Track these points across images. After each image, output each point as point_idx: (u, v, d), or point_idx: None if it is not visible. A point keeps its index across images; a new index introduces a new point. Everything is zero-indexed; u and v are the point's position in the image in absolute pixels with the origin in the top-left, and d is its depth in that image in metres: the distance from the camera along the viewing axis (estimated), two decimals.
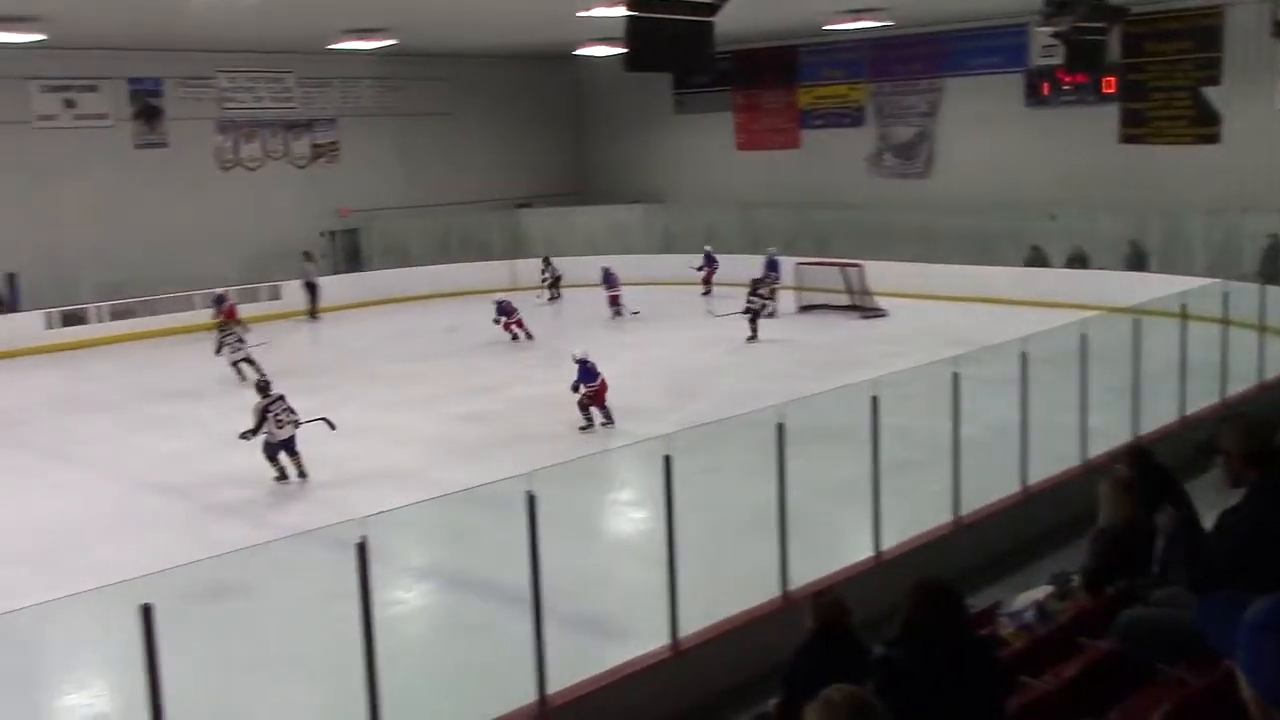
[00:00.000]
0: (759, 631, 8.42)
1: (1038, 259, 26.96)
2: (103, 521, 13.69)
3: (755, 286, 23.58)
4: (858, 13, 25.88)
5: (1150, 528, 6.78)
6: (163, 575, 5.64)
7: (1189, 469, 9.30)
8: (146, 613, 5.59)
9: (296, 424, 14.76)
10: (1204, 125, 25.30)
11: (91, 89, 28.14)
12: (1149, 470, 7.65)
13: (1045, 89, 27.76)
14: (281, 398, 14.89)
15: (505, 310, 24.25)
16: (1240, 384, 14.43)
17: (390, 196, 32.94)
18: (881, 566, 9.49)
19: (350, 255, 32.54)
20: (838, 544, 10.92)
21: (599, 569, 11.56)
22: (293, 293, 29.07)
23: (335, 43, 26.78)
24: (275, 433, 14.63)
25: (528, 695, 7.31)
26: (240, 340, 21.60)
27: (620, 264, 28.20)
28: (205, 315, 26.29)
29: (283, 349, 24.73)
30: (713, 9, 10.82)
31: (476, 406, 18.42)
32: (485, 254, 31.79)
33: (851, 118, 31.62)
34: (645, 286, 28.95)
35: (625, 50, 10.59)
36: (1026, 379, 11.30)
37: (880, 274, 26.07)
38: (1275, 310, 15.92)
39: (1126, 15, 20.70)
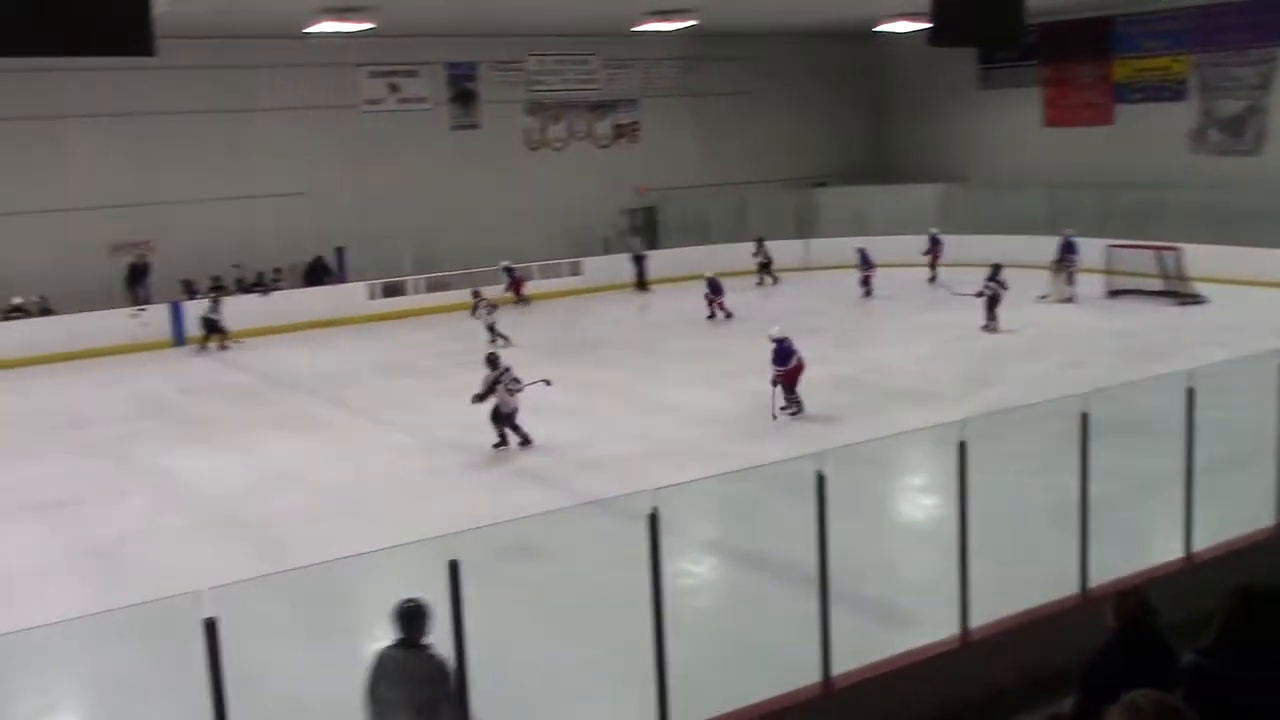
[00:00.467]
0: (1054, 628, 8.10)
1: None
2: (413, 480, 14.60)
3: (995, 272, 22.07)
4: None
5: None
6: (468, 534, 5.95)
7: None
8: (453, 569, 5.92)
9: (520, 390, 15.44)
10: None
11: (413, 74, 29.91)
12: None
13: None
14: (509, 369, 15.49)
15: (715, 288, 24.55)
16: None
17: (687, 175, 33.45)
18: (1192, 568, 8.94)
19: (648, 232, 33.27)
20: (1144, 542, 10.38)
21: (886, 553, 11.42)
22: (593, 268, 30.01)
23: (639, 25, 27.35)
24: (507, 400, 15.30)
25: (810, 676, 7.31)
26: (493, 306, 23.37)
27: (914, 245, 27.64)
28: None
29: (586, 323, 25.62)
30: None
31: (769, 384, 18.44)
32: (780, 232, 31.73)
33: (1172, 91, 29.72)
34: (943, 268, 28.27)
35: (930, 24, 10.34)
36: None
37: (1201, 258, 24.44)
38: None
39: None
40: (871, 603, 9.56)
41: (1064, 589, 8.45)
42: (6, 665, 8.77)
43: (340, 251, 28.81)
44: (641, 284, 30.08)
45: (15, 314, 24.40)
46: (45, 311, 24.92)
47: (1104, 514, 8.58)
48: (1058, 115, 32.36)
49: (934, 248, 28.14)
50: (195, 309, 25.26)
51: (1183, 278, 24.42)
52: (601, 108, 33.05)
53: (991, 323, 21.83)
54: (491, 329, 22.96)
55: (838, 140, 36.20)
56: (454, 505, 12.92)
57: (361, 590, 10.38)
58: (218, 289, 26.06)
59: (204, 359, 23.68)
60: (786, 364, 16.45)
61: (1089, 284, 25.05)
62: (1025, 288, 25.10)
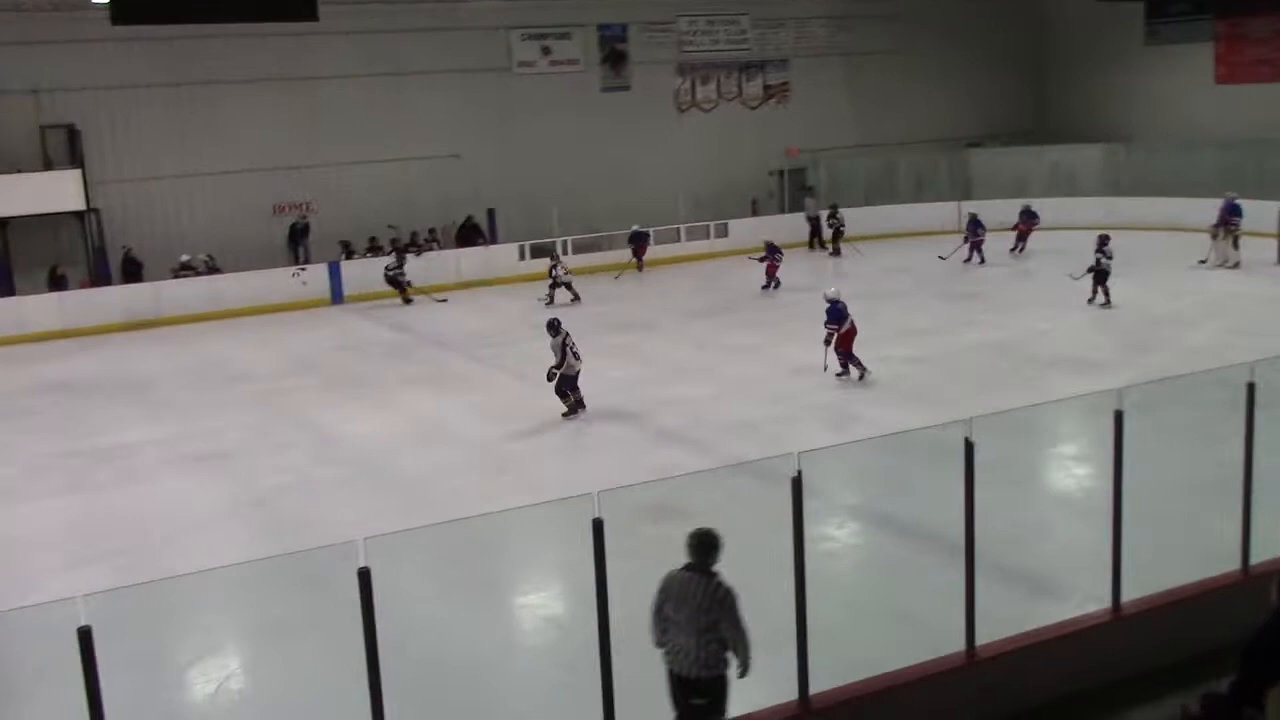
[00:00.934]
0: (1212, 605, 7.82)
1: None
2: (557, 439, 14.81)
3: (1102, 243, 20.57)
4: None
5: None
6: (612, 493, 6.00)
7: None
8: (597, 527, 5.99)
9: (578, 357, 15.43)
10: None
11: (565, 36, 30.11)
12: None
13: None
14: (569, 334, 15.42)
15: (773, 250, 24.32)
16: None
17: (837, 136, 33.00)
18: None
19: (797, 195, 32.97)
20: None
21: (1036, 523, 11.15)
22: (740, 230, 29.83)
23: None
24: (574, 364, 15.28)
25: (954, 644, 7.21)
26: (565, 270, 24.39)
27: (1072, 207, 26.79)
28: (659, 251, 27.76)
29: (728, 286, 25.55)
30: None
31: (918, 349, 18.19)
32: (934, 194, 31.09)
33: None
34: (1102, 230, 27.32)
35: None
36: None
37: None
38: None
39: None
40: (1019, 573, 9.36)
41: (1224, 565, 8.14)
42: (173, 607, 9.22)
43: (491, 213, 29.28)
44: (815, 243, 29.93)
45: (184, 272, 25.47)
46: (212, 270, 25.98)
47: (1269, 488, 8.22)
48: (1230, 72, 30.88)
49: (1029, 220, 27.11)
50: (354, 269, 26.02)
51: None
52: (751, 68, 32.79)
53: (1097, 298, 20.46)
54: (566, 287, 23.82)
55: (994, 100, 35.23)
56: (597, 464, 13.07)
57: (505, 546, 10.60)
58: (404, 248, 26.62)
59: (359, 317, 24.33)
60: (841, 324, 16.45)
61: (1259, 249, 23.90)
62: (1190, 253, 24.15)
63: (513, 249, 28.13)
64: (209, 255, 26.12)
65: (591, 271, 27.29)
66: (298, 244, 27.27)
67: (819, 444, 7.83)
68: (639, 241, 27.82)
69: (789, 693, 6.75)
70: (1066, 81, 34.88)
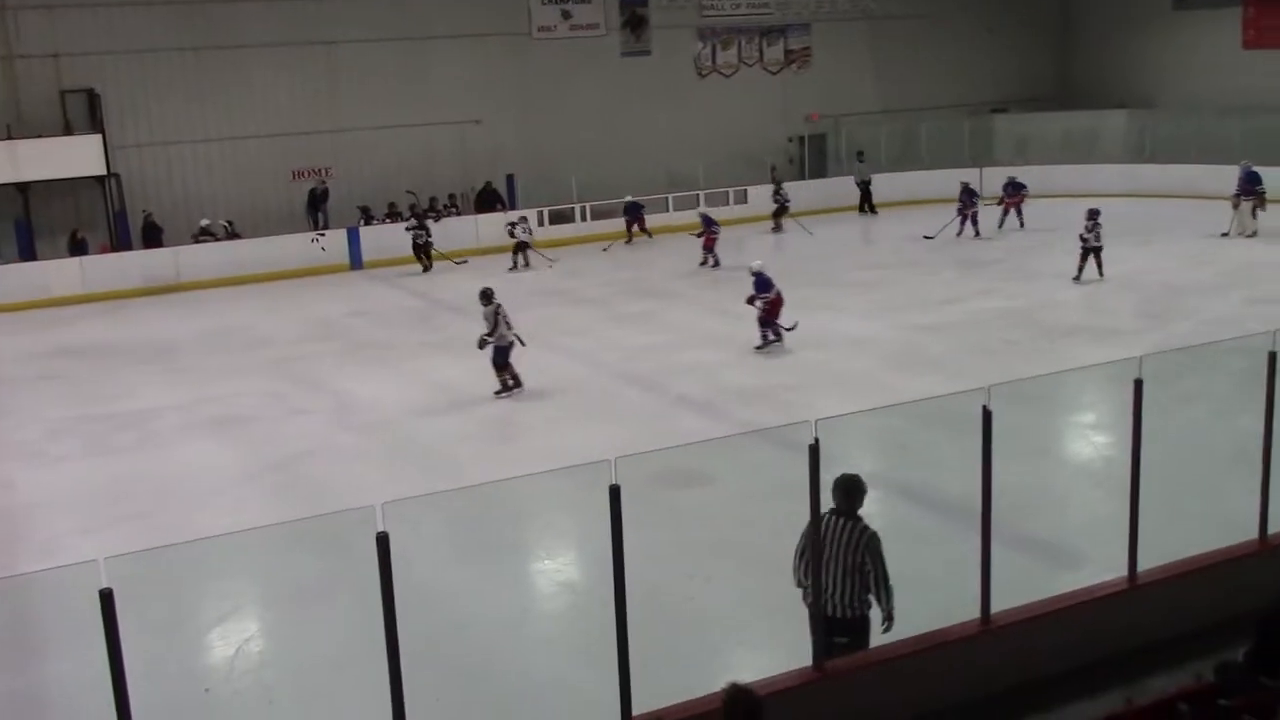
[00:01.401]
0: (1230, 575, 7.80)
1: None
2: (574, 404, 14.83)
3: (1091, 218, 19.83)
4: None
5: None
6: (629, 459, 6.01)
7: None
8: (614, 493, 6.00)
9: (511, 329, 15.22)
10: None
11: (585, 0, 29.89)
12: None
13: None
14: (501, 305, 15.24)
15: (709, 223, 23.91)
16: None
17: (859, 101, 32.78)
18: None
19: (816, 160, 32.81)
20: None
21: (1053, 491, 11.14)
22: (758, 197, 29.71)
23: None
24: (505, 334, 15.08)
25: (969, 612, 7.22)
26: (529, 230, 25.08)
27: (1096, 173, 26.55)
28: (677, 218, 27.67)
29: (750, 252, 25.48)
30: None
31: (939, 317, 18.13)
32: (955, 160, 30.85)
33: None
34: (1126, 199, 27.14)
35: None
36: None
37: None
38: None
39: None
40: (1035, 542, 9.35)
41: (1241, 534, 8.11)
42: (193, 570, 9.29)
43: (510, 179, 29.22)
44: (865, 208, 29.90)
45: (204, 237, 25.54)
46: (232, 235, 26.03)
47: None
48: (1259, 36, 30.43)
49: (1015, 192, 26.28)
50: (373, 235, 26.03)
51: None
52: (772, 32, 32.54)
53: (1084, 274, 19.88)
54: (523, 251, 24.19)
55: (1018, 64, 34.90)
56: (614, 430, 13.07)
57: (523, 511, 10.64)
58: (424, 213, 26.57)
59: (378, 283, 24.36)
60: (766, 293, 16.61)
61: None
62: (1213, 221, 23.94)
63: (531, 215, 28.07)
64: (229, 221, 26.17)
65: (610, 239, 27.26)
66: (317, 209, 27.29)
67: (835, 412, 7.81)
68: (633, 213, 27.64)
69: (805, 658, 6.78)
70: (1092, 46, 34.51)
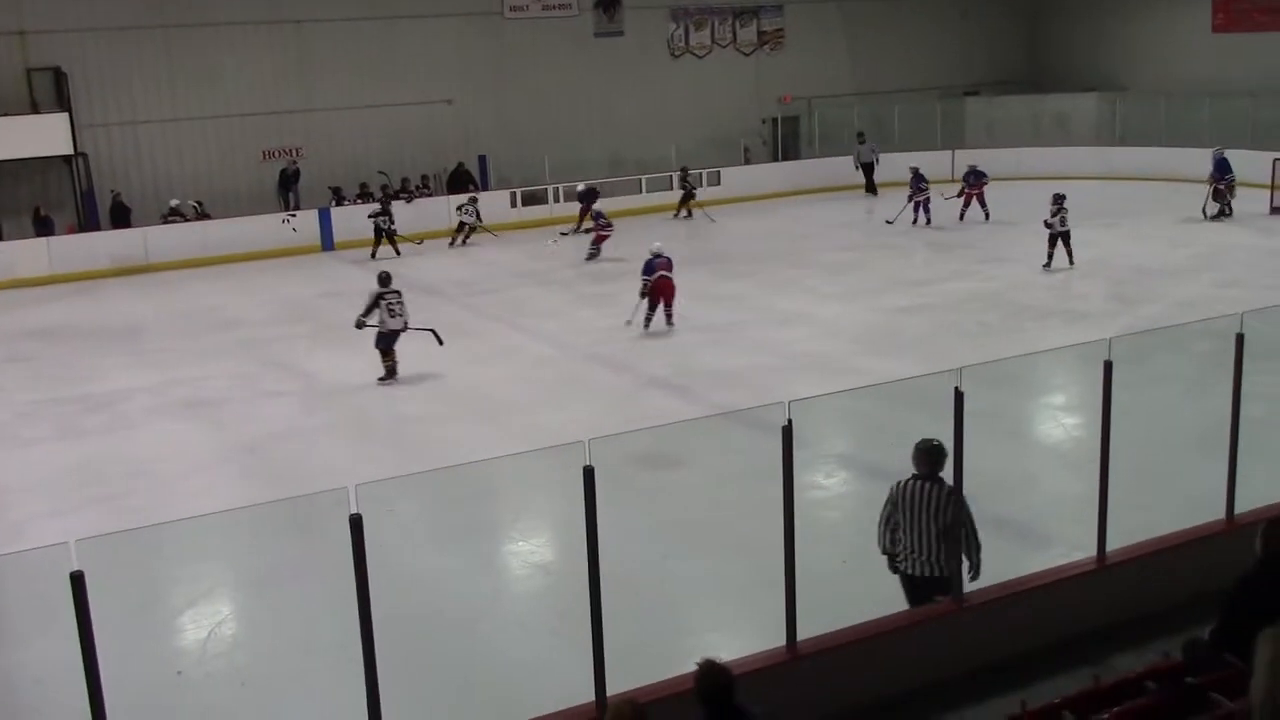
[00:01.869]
0: (1196, 554, 7.89)
1: None
2: (546, 386, 14.83)
3: (1056, 203, 19.56)
4: None
5: None
6: (602, 440, 6.02)
7: None
8: (588, 474, 6.01)
9: (405, 325, 15.11)
10: None
11: None
12: None
13: None
14: (398, 292, 15.15)
15: (598, 217, 23.34)
16: None
17: (832, 83, 32.80)
18: None
19: (789, 142, 32.81)
20: None
21: (1024, 472, 11.22)
22: (731, 178, 29.72)
23: None
24: (387, 321, 14.98)
25: None
26: (477, 215, 25.32)
27: (1067, 156, 26.65)
28: (658, 198, 27.66)
29: (723, 233, 25.50)
30: None
31: (912, 299, 18.20)
32: (927, 143, 30.91)
33: None
34: (1097, 181, 27.32)
35: None
36: None
37: None
38: None
39: None
40: (1006, 522, 9.41)
41: (1209, 514, 8.20)
42: (165, 553, 9.26)
43: (483, 159, 29.10)
44: (871, 188, 29.72)
45: (173, 217, 25.32)
46: (201, 216, 25.82)
47: (1255, 439, 8.27)
48: (1228, 20, 30.63)
49: (979, 181, 25.11)
50: (344, 216, 25.88)
51: None
52: (745, 14, 32.48)
53: (1054, 261, 19.69)
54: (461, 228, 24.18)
55: (990, 48, 34.99)
56: (587, 412, 13.08)
57: (496, 493, 10.65)
58: (393, 195, 26.33)
59: (349, 264, 24.20)
60: (649, 275, 16.76)
61: (1252, 200, 23.85)
62: (1184, 204, 24.10)
63: (504, 196, 27.97)
64: (198, 201, 25.96)
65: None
66: (288, 190, 27.09)
67: (808, 393, 7.85)
68: (588, 200, 25.85)
69: (777, 639, 6.81)
70: (1063, 30, 34.61)
